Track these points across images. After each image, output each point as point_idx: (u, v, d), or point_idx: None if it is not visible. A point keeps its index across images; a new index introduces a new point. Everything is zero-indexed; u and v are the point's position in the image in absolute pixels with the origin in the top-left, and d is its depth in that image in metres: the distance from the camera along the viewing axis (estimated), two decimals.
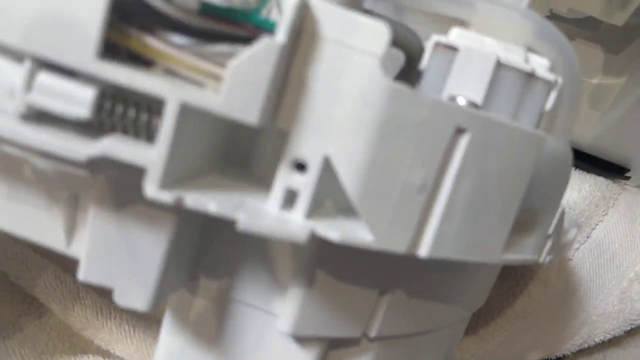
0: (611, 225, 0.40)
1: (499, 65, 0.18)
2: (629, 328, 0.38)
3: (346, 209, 0.17)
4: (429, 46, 0.19)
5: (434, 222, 0.17)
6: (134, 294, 0.18)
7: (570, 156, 0.20)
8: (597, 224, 0.40)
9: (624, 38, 0.37)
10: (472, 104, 0.17)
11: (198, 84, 0.14)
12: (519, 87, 0.18)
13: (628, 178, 0.41)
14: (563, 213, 0.21)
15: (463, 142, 0.16)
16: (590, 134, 0.39)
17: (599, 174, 0.41)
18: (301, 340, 0.21)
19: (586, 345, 0.38)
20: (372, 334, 0.21)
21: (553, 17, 0.35)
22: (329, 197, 0.18)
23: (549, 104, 0.19)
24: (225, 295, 0.21)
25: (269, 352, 0.21)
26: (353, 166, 0.15)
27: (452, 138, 0.16)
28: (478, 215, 0.18)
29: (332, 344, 0.22)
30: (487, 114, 0.17)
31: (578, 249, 0.39)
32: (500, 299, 0.37)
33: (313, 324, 0.20)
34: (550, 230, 0.21)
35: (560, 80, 0.19)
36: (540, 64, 0.19)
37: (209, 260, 0.20)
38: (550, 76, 0.19)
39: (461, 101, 0.17)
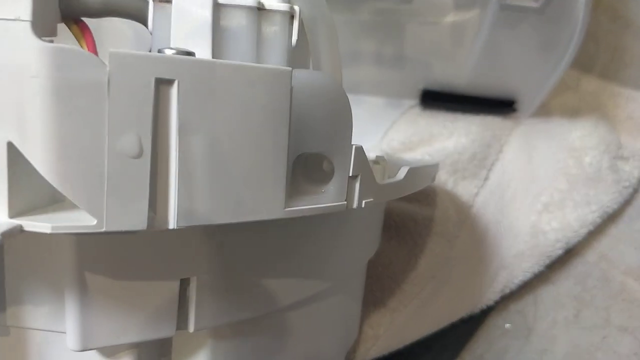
0: (507, 162, 0.38)
1: (218, 6, 0.16)
2: (547, 261, 0.36)
3: None
4: (150, 6, 0.17)
5: (172, 187, 0.15)
6: None
7: (340, 89, 0.18)
8: (493, 164, 0.38)
9: None
10: (186, 53, 0.16)
11: None
12: (250, 24, 0.17)
13: (516, 110, 0.40)
14: (362, 151, 0.20)
15: (173, 93, 0.15)
16: (464, 73, 0.38)
17: (487, 114, 0.40)
18: (111, 353, 0.19)
19: (508, 290, 0.36)
20: (191, 328, 0.19)
21: None
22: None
23: (294, 36, 0.18)
24: (15, 325, 0.19)
25: None
26: (40, 146, 0.14)
27: (157, 91, 0.15)
28: (231, 167, 0.16)
29: (157, 350, 0.20)
30: (200, 58, 0.16)
31: (477, 193, 0.38)
32: (401, 263, 0.35)
33: (105, 333, 0.18)
34: (351, 172, 0.19)
35: (297, 8, 0.17)
36: None
37: None
38: (282, 6, 0.17)
39: (168, 52, 0.16)
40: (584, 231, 0.37)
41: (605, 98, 0.42)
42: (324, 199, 0.19)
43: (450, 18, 0.36)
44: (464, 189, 0.37)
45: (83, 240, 0.17)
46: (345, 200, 0.19)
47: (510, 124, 0.40)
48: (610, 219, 0.39)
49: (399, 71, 0.39)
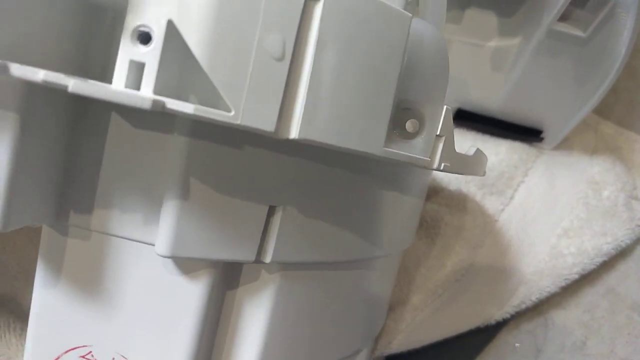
0: (532, 185, 0.40)
1: None
2: (563, 283, 0.38)
3: (212, 103, 0.16)
4: None
5: (301, 96, 0.16)
6: None
7: (444, 45, 0.20)
8: (518, 185, 0.40)
9: (516, 1, 0.38)
10: None
11: None
12: None
13: (542, 139, 0.41)
14: (450, 114, 0.21)
15: (318, 8, 0.16)
16: (498, 98, 0.40)
17: (515, 140, 0.42)
18: (188, 270, 0.19)
19: (524, 306, 0.37)
20: (267, 258, 0.20)
21: None
22: (193, 92, 0.17)
23: None
24: (99, 230, 0.19)
25: (154, 289, 0.19)
26: (199, 29, 0.14)
27: (306, 3, 0.16)
28: (350, 93, 0.17)
29: (227, 278, 0.21)
30: None
31: (503, 210, 0.39)
32: (430, 264, 0.36)
33: (194, 243, 0.18)
34: (439, 130, 0.20)
35: None
36: None
37: (76, 191, 0.18)
38: None
39: None
40: (598, 260, 0.38)
41: (621, 142, 0.44)
42: (412, 149, 0.20)
43: (494, 42, 0.38)
44: (491, 204, 0.39)
45: (195, 144, 0.17)
46: (428, 155, 0.20)
47: (536, 151, 0.42)
48: (620, 255, 0.41)
49: None
